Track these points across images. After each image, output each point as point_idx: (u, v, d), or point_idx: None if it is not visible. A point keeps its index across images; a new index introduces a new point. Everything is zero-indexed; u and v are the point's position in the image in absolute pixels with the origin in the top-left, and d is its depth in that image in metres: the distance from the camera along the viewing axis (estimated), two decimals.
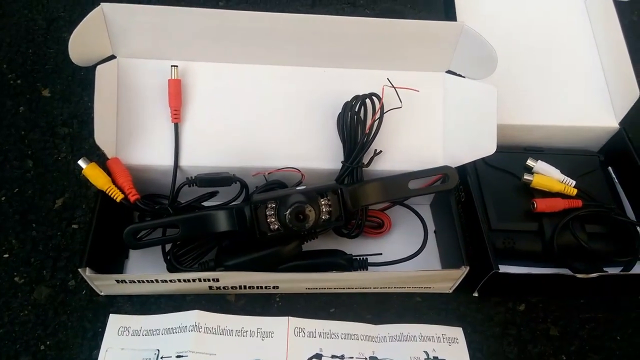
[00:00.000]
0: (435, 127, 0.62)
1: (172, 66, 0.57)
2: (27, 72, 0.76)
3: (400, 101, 0.58)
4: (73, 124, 0.71)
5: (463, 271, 0.55)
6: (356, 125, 0.57)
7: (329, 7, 0.92)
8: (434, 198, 0.66)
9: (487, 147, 0.57)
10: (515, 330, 0.58)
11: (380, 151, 0.59)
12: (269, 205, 0.52)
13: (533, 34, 0.73)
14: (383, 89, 0.57)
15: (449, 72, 0.62)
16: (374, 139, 0.58)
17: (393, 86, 0.58)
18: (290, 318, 0.55)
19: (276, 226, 0.52)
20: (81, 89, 0.75)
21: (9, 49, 0.79)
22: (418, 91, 0.59)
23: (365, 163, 0.58)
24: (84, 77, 0.76)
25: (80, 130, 0.70)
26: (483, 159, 0.61)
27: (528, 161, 0.63)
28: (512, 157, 0.65)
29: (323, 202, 0.53)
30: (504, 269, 0.55)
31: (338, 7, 0.92)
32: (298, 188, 0.54)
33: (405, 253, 0.58)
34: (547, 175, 0.62)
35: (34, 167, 0.66)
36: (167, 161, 0.58)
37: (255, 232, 0.52)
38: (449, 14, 0.73)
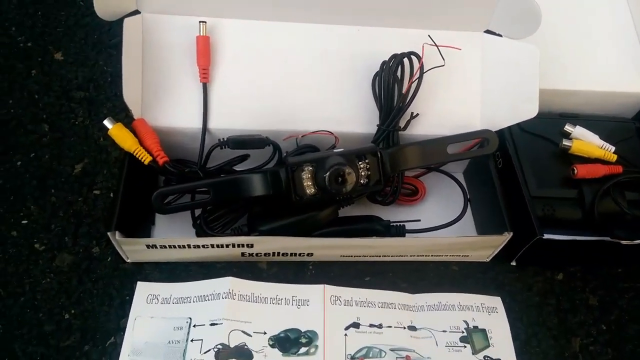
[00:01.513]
0: (473, 89, 0.60)
1: (200, 22, 0.54)
2: (37, 35, 0.73)
3: (443, 59, 0.55)
4: (89, 88, 0.68)
5: (506, 237, 0.53)
6: (393, 86, 0.55)
7: None
8: (467, 165, 0.63)
9: (527, 111, 0.55)
10: (555, 300, 0.57)
11: (417, 114, 0.57)
12: (306, 168, 0.50)
13: None
14: (423, 47, 0.55)
15: (487, 31, 0.59)
16: (412, 101, 0.55)
17: (435, 44, 0.55)
18: (326, 286, 0.53)
19: (313, 190, 0.50)
20: (95, 52, 0.72)
21: (17, 12, 0.75)
22: (460, 49, 0.56)
23: (401, 127, 0.56)
24: (97, 41, 0.73)
25: (97, 95, 0.67)
26: (518, 124, 0.58)
27: (566, 127, 0.61)
28: (547, 122, 0.62)
29: (362, 166, 0.51)
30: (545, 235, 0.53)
31: None
32: (336, 150, 0.52)
33: (441, 220, 0.56)
34: (586, 140, 0.60)
35: (50, 131, 0.63)
36: (195, 124, 0.55)
37: (291, 196, 0.50)
38: None
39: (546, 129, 0.62)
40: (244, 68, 0.56)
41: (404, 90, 0.55)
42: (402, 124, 0.56)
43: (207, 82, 0.55)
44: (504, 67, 0.58)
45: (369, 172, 0.51)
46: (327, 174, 0.49)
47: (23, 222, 0.56)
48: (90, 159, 0.61)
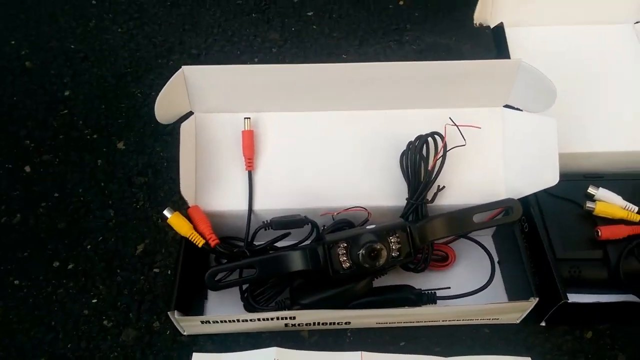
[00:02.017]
0: (495, 160, 0.64)
1: (245, 118, 0.61)
2: (102, 127, 0.81)
3: (464, 139, 0.60)
4: (148, 173, 0.75)
5: (532, 303, 0.56)
6: (419, 163, 0.60)
7: (376, 46, 0.94)
8: (496, 229, 0.67)
9: (549, 179, 0.59)
10: (584, 359, 0.58)
11: (443, 187, 0.62)
12: (341, 245, 0.55)
13: (583, 60, 0.75)
14: (445, 127, 0.60)
15: (506, 106, 0.64)
16: (437, 176, 0.60)
17: (456, 125, 0.60)
18: (364, 353, 0.57)
19: (348, 264, 0.55)
20: (152, 140, 0.79)
21: (84, 106, 0.84)
22: (480, 128, 0.61)
23: (429, 199, 0.61)
24: (154, 129, 0.80)
25: (155, 180, 0.74)
26: (539, 190, 0.62)
27: (589, 189, 0.64)
28: (572, 185, 0.65)
29: (392, 240, 0.55)
30: (571, 297, 0.55)
31: (385, 45, 0.95)
32: (368, 227, 0.56)
33: (471, 284, 0.60)
34: (609, 202, 0.63)
35: (115, 216, 0.71)
36: (242, 206, 0.61)
37: (328, 271, 0.55)
38: (501, 47, 0.75)
39: (570, 191, 0.65)
40: (285, 154, 0.63)
41: (429, 167, 0.60)
42: (429, 196, 0.60)
43: (252, 169, 0.62)
44: (525, 139, 0.62)
45: (400, 246, 0.55)
46: (361, 250, 0.54)
47: (93, 301, 0.63)
48: (150, 239, 0.68)
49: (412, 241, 0.56)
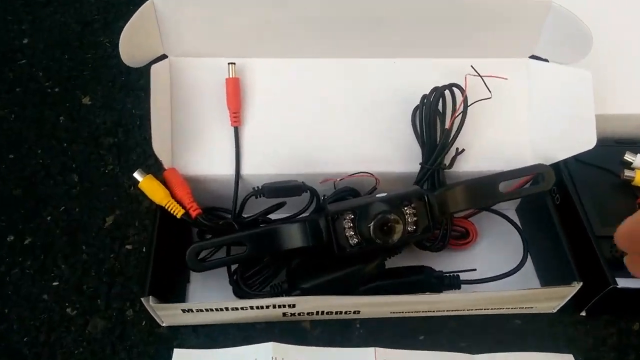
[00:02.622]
0: (521, 120, 0.55)
1: (229, 64, 0.52)
2: (65, 80, 0.72)
3: (490, 91, 0.51)
4: (118, 133, 0.66)
5: (575, 288, 0.48)
6: (435, 121, 0.51)
7: None
8: (520, 202, 0.59)
9: (584, 141, 0.50)
10: (635, 356, 0.51)
11: (463, 150, 0.53)
12: (347, 217, 0.46)
13: (617, 14, 0.66)
14: (466, 78, 0.51)
15: (532, 57, 0.55)
16: (456, 137, 0.51)
17: (479, 74, 0.51)
18: (377, 349, 0.48)
19: (356, 240, 0.46)
20: (124, 94, 0.70)
21: (43, 56, 0.74)
22: (506, 79, 0.52)
23: (446, 164, 0.52)
24: (125, 83, 0.71)
25: (125, 140, 0.65)
26: (573, 155, 0.53)
27: (626, 156, 0.56)
28: (604, 151, 0.56)
29: (408, 212, 0.46)
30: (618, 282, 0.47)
31: None
32: (378, 196, 0.48)
33: (496, 266, 0.51)
34: None
35: (80, 181, 0.61)
36: (228, 170, 0.52)
37: (332, 248, 0.46)
38: None
39: (604, 158, 0.57)
40: (277, 109, 0.53)
41: (447, 125, 0.51)
42: (447, 161, 0.52)
43: (238, 125, 0.52)
44: (555, 95, 0.54)
45: (416, 218, 0.46)
46: (372, 223, 0.45)
47: (54, 284, 0.53)
48: (121, 209, 0.59)
49: (431, 212, 0.47)
